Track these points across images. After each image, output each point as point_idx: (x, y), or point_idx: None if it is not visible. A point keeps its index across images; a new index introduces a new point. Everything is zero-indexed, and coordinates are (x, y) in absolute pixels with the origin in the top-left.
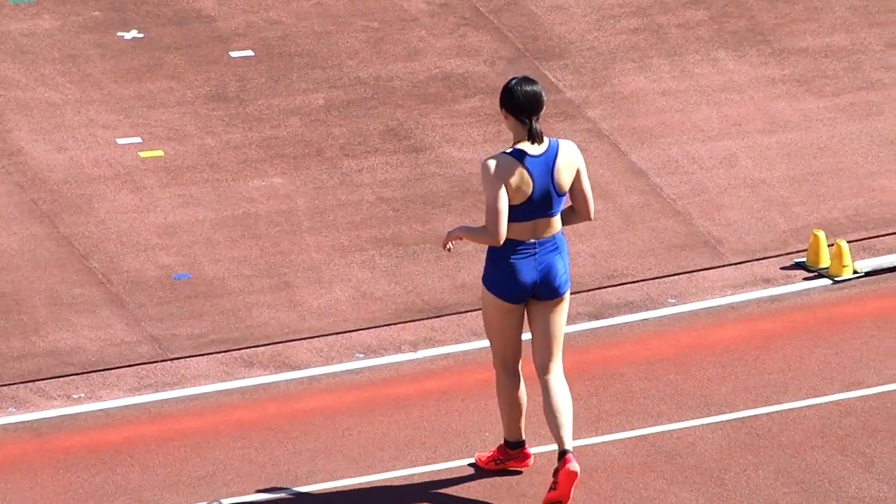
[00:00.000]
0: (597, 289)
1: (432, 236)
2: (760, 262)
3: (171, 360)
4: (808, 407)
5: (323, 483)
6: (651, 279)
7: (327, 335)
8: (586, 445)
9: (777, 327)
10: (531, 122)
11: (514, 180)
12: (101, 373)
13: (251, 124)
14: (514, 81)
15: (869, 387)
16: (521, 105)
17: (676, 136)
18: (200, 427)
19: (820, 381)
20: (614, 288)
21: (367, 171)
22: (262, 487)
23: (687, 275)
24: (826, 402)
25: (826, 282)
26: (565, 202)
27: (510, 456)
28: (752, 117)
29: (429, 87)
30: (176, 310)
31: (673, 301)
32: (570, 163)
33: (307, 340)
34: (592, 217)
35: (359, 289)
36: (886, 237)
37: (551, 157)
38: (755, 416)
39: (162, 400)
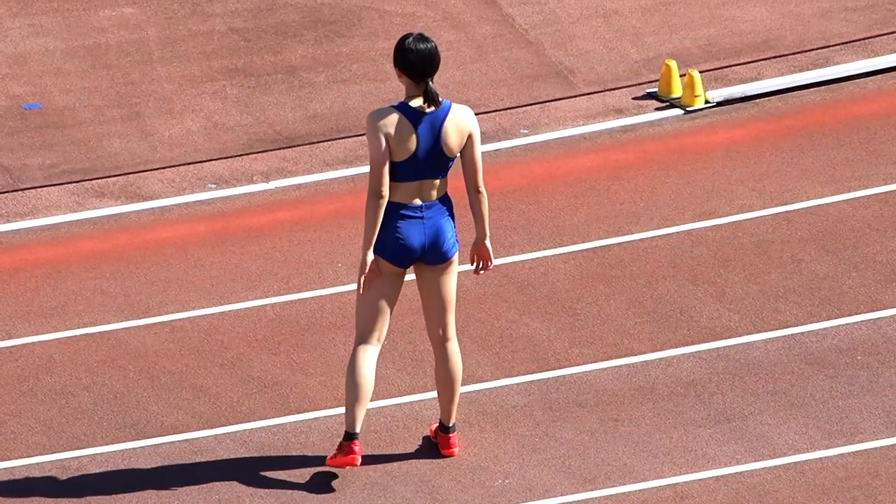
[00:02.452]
0: None
1: (283, 67)
2: (612, 92)
3: (23, 189)
4: (659, 237)
5: (175, 314)
6: (503, 109)
7: (179, 165)
8: None
9: (629, 157)
10: (427, 83)
11: (396, 135)
12: None
13: None
14: (409, 40)
15: (720, 216)
16: (415, 66)
17: None
18: (52, 257)
19: (671, 210)
20: None
21: (218, 0)
22: (113, 318)
23: (539, 105)
24: (678, 232)
25: (678, 112)
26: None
27: (341, 448)
28: None
29: None
30: (27, 140)
31: (525, 132)
32: (459, 127)
33: (159, 171)
34: (482, 189)
35: (210, 119)
36: (738, 67)
37: (440, 117)
38: (607, 246)
39: (13, 230)
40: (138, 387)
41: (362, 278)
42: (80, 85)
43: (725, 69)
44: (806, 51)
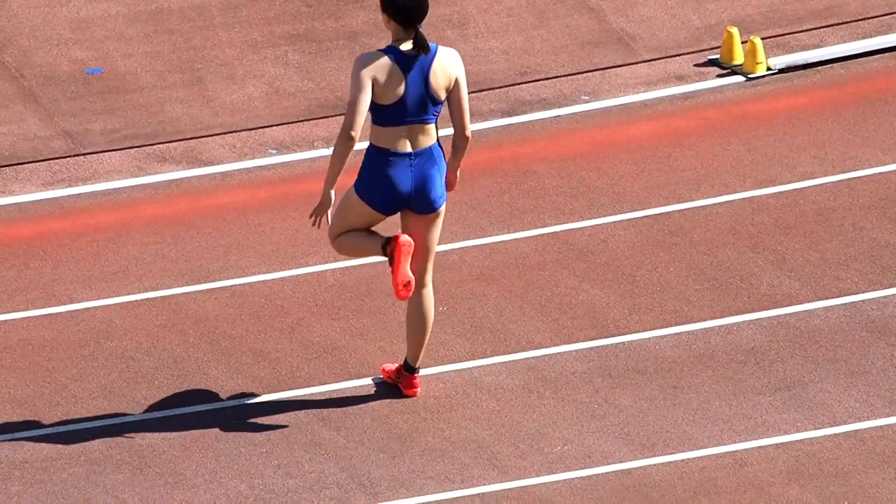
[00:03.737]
0: (510, 85)
1: (345, 32)
2: (674, 59)
3: (84, 154)
4: (720, 204)
5: (235, 279)
6: (564, 76)
7: (240, 131)
8: (498, 243)
9: (690, 124)
10: (416, 30)
11: (383, 77)
12: (14, 167)
13: None
14: None
15: (781, 184)
16: (405, 11)
17: None
18: (113, 222)
19: (732, 178)
20: (527, 84)
21: None
22: (174, 283)
23: (600, 72)
24: (738, 199)
25: (739, 79)
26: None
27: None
28: None
29: None
30: (89, 105)
31: (586, 98)
32: (446, 70)
33: (220, 136)
34: (468, 134)
35: (272, 85)
36: (800, 34)
37: (428, 60)
38: (667, 213)
39: (75, 195)
40: (198, 351)
41: (318, 217)
42: (142, 50)
43: (787, 36)
44: (869, 18)
